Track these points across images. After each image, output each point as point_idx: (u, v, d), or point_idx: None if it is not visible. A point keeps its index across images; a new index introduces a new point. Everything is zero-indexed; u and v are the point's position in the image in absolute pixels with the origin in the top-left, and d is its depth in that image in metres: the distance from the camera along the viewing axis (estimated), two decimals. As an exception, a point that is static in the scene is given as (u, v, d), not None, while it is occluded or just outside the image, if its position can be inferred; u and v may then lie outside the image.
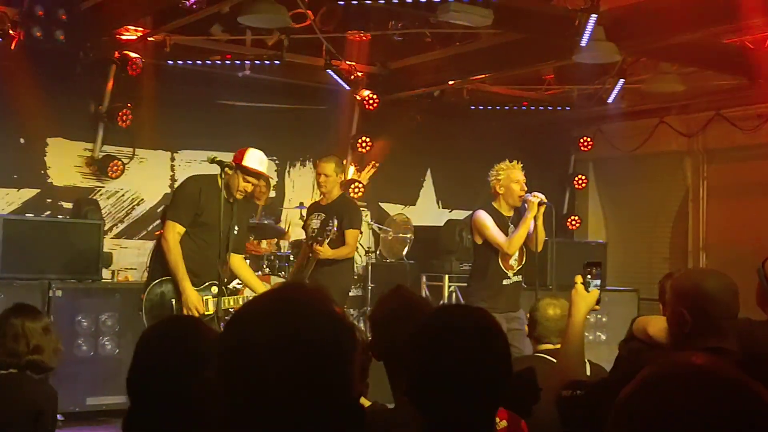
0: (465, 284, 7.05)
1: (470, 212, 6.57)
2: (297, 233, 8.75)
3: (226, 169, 5.64)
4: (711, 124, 10.40)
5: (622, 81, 8.89)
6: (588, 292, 3.01)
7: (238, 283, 6.06)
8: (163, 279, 5.54)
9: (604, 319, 8.81)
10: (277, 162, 9.86)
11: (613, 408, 1.19)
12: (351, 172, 10.41)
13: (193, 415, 1.87)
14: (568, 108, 10.41)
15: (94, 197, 8.65)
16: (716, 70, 8.78)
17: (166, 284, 5.53)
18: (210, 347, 2.05)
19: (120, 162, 8.68)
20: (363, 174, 10.49)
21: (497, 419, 2.28)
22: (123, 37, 8.14)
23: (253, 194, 9.29)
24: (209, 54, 8.62)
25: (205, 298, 5.59)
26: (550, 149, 11.22)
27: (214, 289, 5.63)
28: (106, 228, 8.11)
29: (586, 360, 3.32)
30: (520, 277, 6.40)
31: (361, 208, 10.30)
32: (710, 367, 1.16)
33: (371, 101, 9.53)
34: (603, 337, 8.67)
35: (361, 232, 9.53)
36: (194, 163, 9.27)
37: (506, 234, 6.23)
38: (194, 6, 7.29)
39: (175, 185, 9.27)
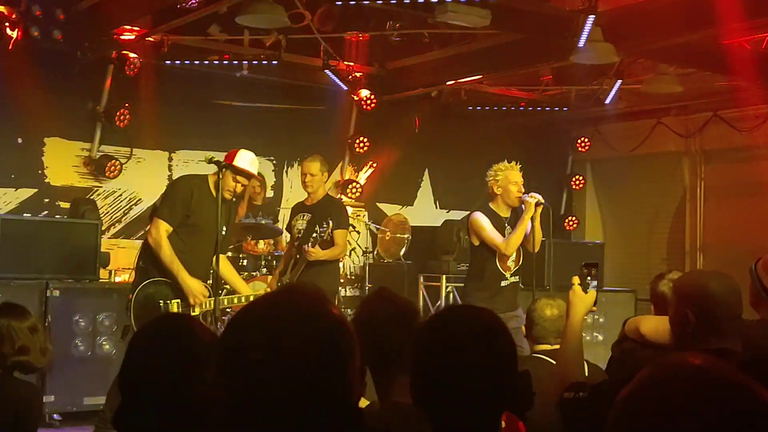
0: (462, 285, 7.04)
1: (468, 213, 6.57)
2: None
3: (218, 170, 5.67)
4: (708, 125, 10.42)
5: (619, 82, 8.90)
6: (586, 293, 3.01)
7: (224, 284, 6.06)
8: (151, 280, 5.52)
9: (601, 320, 8.81)
10: (274, 162, 9.86)
11: (612, 408, 1.19)
12: (349, 172, 10.42)
13: (186, 414, 1.88)
14: (565, 109, 10.42)
15: (92, 197, 8.64)
16: (714, 71, 8.78)
17: (154, 286, 5.52)
18: (204, 346, 2.06)
19: (117, 162, 8.67)
20: (361, 174, 10.50)
21: None
22: (121, 37, 8.13)
23: (243, 195, 9.31)
24: (207, 54, 8.62)
25: None
26: (547, 150, 11.23)
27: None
28: (103, 228, 8.10)
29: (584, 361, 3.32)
30: (518, 277, 6.41)
31: (359, 209, 10.34)
32: (709, 368, 1.16)
33: (369, 102, 9.53)
34: (600, 337, 8.68)
35: (349, 231, 9.56)
36: (192, 163, 9.26)
37: (503, 235, 6.23)
38: (193, 5, 7.29)
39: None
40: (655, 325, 3.45)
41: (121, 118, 8.41)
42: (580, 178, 11.54)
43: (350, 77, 9.28)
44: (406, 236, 9.58)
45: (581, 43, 6.93)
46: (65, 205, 8.45)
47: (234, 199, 5.84)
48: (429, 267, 9.35)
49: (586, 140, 11.20)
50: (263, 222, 8.56)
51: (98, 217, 7.97)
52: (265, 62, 8.59)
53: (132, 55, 8.22)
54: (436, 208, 11.02)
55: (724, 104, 10.02)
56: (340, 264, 9.27)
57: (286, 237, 8.00)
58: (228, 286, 6.13)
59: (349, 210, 10.09)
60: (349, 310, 8.87)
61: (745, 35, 7.96)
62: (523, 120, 10.76)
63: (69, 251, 7.15)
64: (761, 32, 7.84)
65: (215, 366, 1.39)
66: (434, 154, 10.70)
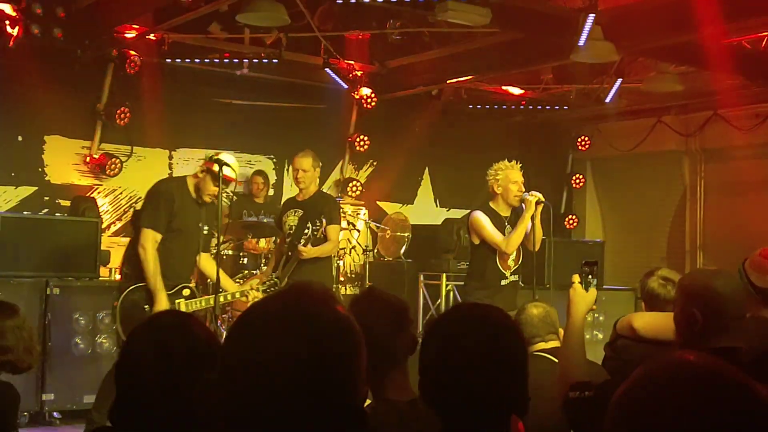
0: (462, 283, 7.03)
1: (468, 211, 6.56)
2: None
3: (197, 172, 5.67)
4: (709, 124, 10.41)
5: (619, 80, 8.90)
6: (587, 291, 3.01)
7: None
8: (137, 286, 5.53)
9: (601, 318, 8.82)
10: (275, 160, 9.86)
11: (609, 406, 1.19)
12: (349, 171, 10.41)
13: (182, 411, 1.88)
14: (566, 107, 10.42)
15: (92, 195, 8.65)
16: (714, 70, 8.78)
17: (139, 291, 5.52)
18: (201, 343, 2.07)
19: (118, 160, 8.67)
20: (361, 173, 10.50)
21: None
22: (121, 35, 8.13)
23: (251, 191, 9.32)
24: (207, 52, 8.62)
25: (177, 301, 5.59)
26: (548, 148, 11.24)
27: (186, 292, 5.63)
28: (103, 226, 8.10)
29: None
30: (518, 276, 6.40)
31: (359, 207, 10.33)
32: (705, 365, 1.17)
33: (369, 100, 9.52)
34: (600, 336, 8.68)
35: (349, 229, 9.56)
36: (192, 161, 9.26)
37: (503, 234, 6.23)
38: (193, 4, 7.29)
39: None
40: (647, 320, 3.46)
41: (122, 116, 8.42)
42: (581, 176, 11.54)
43: (351, 76, 9.28)
44: (406, 235, 9.57)
45: (581, 42, 6.93)
46: (65, 203, 8.45)
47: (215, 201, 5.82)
48: (429, 265, 9.34)
49: (587, 139, 11.20)
50: (264, 220, 8.57)
51: (98, 215, 7.97)
52: (266, 60, 8.59)
53: (132, 53, 8.22)
54: (437, 206, 11.02)
55: (725, 103, 10.00)
56: (341, 262, 9.30)
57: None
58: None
59: (350, 208, 10.09)
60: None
61: (744, 34, 7.96)
62: (524, 119, 10.76)
63: (69, 249, 7.15)
64: (761, 31, 7.84)
65: (220, 365, 1.39)
66: (434, 153, 10.70)
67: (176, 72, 8.74)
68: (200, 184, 5.59)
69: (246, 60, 8.73)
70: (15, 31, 7.38)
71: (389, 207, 10.49)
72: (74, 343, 6.93)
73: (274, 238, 8.66)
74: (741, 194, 10.40)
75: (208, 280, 6.06)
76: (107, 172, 8.62)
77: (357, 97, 9.55)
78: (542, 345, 3.98)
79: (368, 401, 2.74)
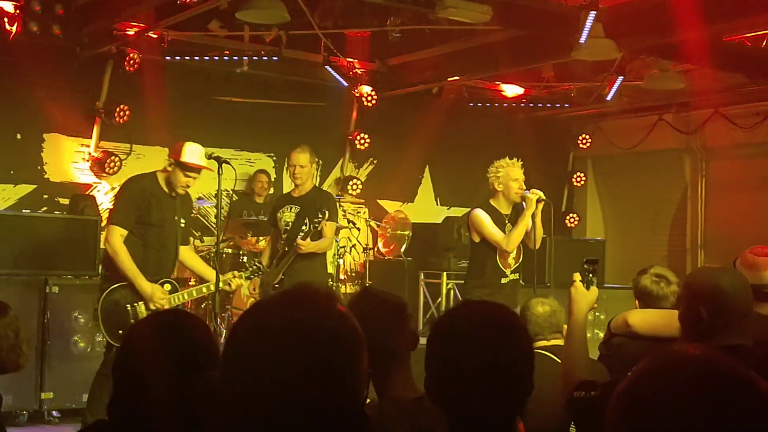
0: (463, 282, 7.01)
1: (469, 209, 6.54)
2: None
3: (166, 165, 5.66)
4: (710, 122, 10.39)
5: (620, 78, 8.87)
6: (588, 290, 2.99)
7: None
8: (116, 286, 5.51)
9: (602, 317, 8.80)
10: (274, 158, 9.84)
11: (611, 401, 1.18)
12: (349, 169, 10.40)
13: (179, 407, 1.87)
14: (566, 105, 10.40)
15: (91, 193, 8.63)
16: (715, 67, 8.76)
17: (119, 291, 5.51)
18: (199, 340, 2.05)
19: (117, 158, 8.65)
20: (361, 171, 10.48)
21: None
22: (121, 33, 8.11)
23: (254, 190, 9.30)
24: (207, 50, 8.60)
25: None
26: (548, 147, 11.21)
27: (167, 287, 5.61)
28: (102, 224, 8.08)
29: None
30: (518, 275, 6.39)
31: (359, 205, 10.32)
32: (708, 359, 1.16)
33: (370, 98, 9.51)
34: (601, 334, 8.63)
35: (350, 228, 9.54)
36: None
37: (504, 232, 6.21)
38: (192, 1, 7.26)
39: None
40: (642, 317, 3.46)
41: (121, 114, 8.40)
42: (582, 175, 11.52)
43: (351, 73, 9.26)
44: (406, 233, 9.56)
45: (582, 39, 6.91)
46: (64, 201, 8.44)
47: (187, 191, 5.80)
48: (430, 264, 9.34)
49: (588, 137, 11.18)
50: (264, 219, 8.55)
51: (97, 213, 7.96)
52: (266, 58, 8.57)
53: (132, 50, 8.19)
54: (437, 204, 11.00)
55: (726, 101, 9.99)
56: (341, 261, 9.29)
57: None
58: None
59: (350, 207, 10.09)
60: (349, 307, 8.87)
61: (746, 32, 7.94)
62: (525, 116, 10.74)
63: (68, 248, 7.13)
64: (762, 29, 7.82)
65: (221, 368, 1.38)
66: (435, 151, 10.68)
67: (176, 70, 8.73)
68: (170, 177, 5.58)
69: (246, 58, 8.71)
70: (14, 29, 7.37)
71: (390, 205, 10.47)
72: (73, 341, 6.92)
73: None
74: (742, 192, 10.38)
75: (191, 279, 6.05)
76: (106, 170, 8.60)
77: (357, 94, 9.53)
78: (543, 343, 3.97)
79: (368, 400, 2.73)
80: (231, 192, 7.74)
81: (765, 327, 2.86)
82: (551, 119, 11.05)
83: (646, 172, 11.29)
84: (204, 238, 8.67)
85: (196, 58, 8.61)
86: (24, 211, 7.96)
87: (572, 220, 11.34)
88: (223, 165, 6.07)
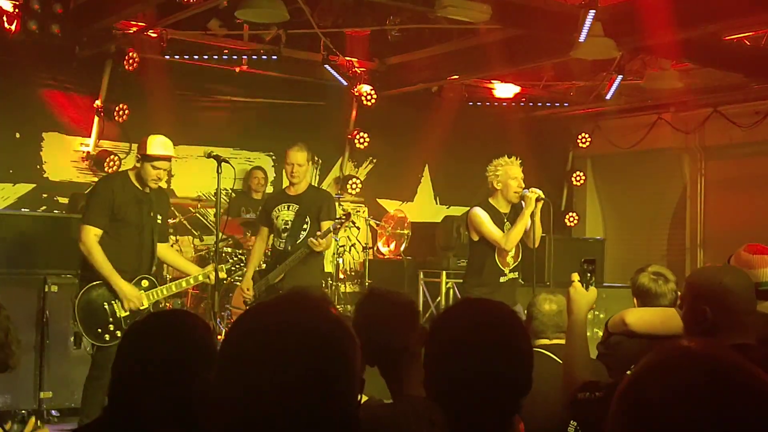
0: (462, 281, 7.01)
1: (468, 208, 6.54)
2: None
3: (135, 162, 5.66)
4: (709, 121, 10.39)
5: (620, 77, 8.87)
6: (587, 290, 2.99)
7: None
8: (91, 285, 5.51)
9: (601, 316, 8.77)
10: (274, 157, 9.83)
11: (613, 398, 1.18)
12: (349, 168, 10.39)
13: (177, 405, 1.87)
14: (566, 104, 10.40)
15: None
16: (714, 66, 8.76)
17: (95, 290, 5.50)
18: (199, 339, 2.05)
19: (116, 157, 8.64)
20: (360, 170, 10.48)
21: None
22: (120, 32, 8.11)
23: (251, 186, 9.29)
24: (206, 49, 8.59)
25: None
26: (548, 146, 11.21)
27: (145, 283, 5.60)
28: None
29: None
30: (517, 273, 6.39)
31: (359, 204, 10.32)
32: (710, 353, 1.16)
33: (369, 97, 9.50)
34: (600, 333, 8.65)
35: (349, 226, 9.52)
36: (191, 159, 9.24)
37: (503, 231, 6.21)
38: (192, 0, 7.26)
39: (172, 181, 9.26)
40: (639, 315, 3.46)
41: (120, 113, 8.39)
42: (581, 174, 11.52)
43: (350, 72, 9.26)
44: (405, 232, 9.56)
45: (582, 39, 6.91)
46: (63, 200, 8.44)
47: (160, 188, 5.78)
48: (429, 263, 9.34)
49: (587, 136, 11.17)
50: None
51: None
52: (265, 57, 8.57)
53: (131, 49, 8.19)
54: (436, 203, 11.00)
55: (725, 100, 9.99)
56: (341, 260, 9.29)
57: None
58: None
59: (349, 206, 10.08)
60: (349, 306, 8.87)
61: (745, 31, 7.94)
62: (524, 116, 10.74)
63: (67, 247, 7.09)
64: (761, 29, 7.82)
65: (217, 369, 1.38)
66: (434, 150, 10.67)
67: (175, 69, 8.72)
68: (140, 173, 5.58)
69: (245, 57, 8.71)
70: (13, 27, 7.36)
71: (389, 204, 10.47)
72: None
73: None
74: (741, 191, 10.38)
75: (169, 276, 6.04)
76: (105, 169, 8.59)
77: (357, 94, 9.53)
78: (545, 341, 3.97)
79: (364, 398, 2.72)
80: (230, 191, 7.74)
81: (764, 325, 2.86)
82: (550, 118, 11.05)
83: (645, 171, 11.29)
84: (203, 237, 8.66)
85: (196, 57, 8.60)
86: (23, 210, 7.96)
87: (571, 219, 11.34)
88: (222, 164, 6.08)
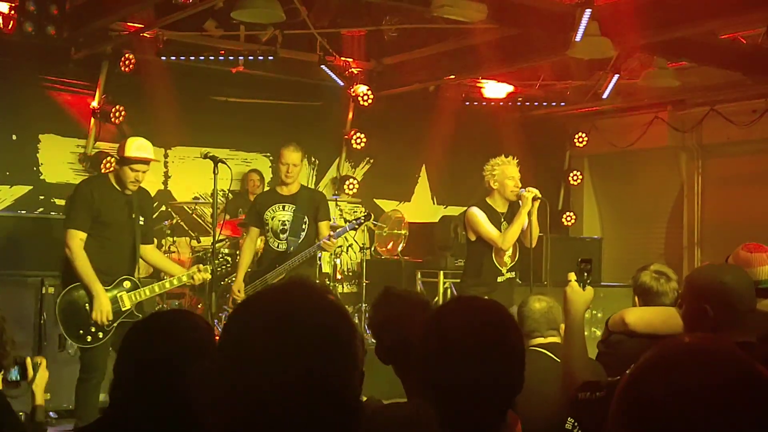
0: (459, 280, 7.01)
1: (465, 208, 6.54)
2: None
3: (114, 164, 5.64)
4: (706, 120, 10.40)
5: (616, 76, 8.88)
6: (584, 290, 2.99)
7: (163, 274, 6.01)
8: (72, 286, 5.49)
9: (599, 315, 8.80)
10: (271, 158, 9.83)
11: (615, 394, 1.18)
12: (345, 168, 10.39)
13: (177, 405, 1.87)
14: (562, 104, 10.40)
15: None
16: (711, 65, 8.77)
17: (77, 290, 5.48)
18: (199, 341, 2.05)
19: (113, 158, 8.63)
20: (357, 170, 10.48)
21: None
22: (116, 33, 8.10)
23: (248, 189, 9.28)
24: (203, 50, 8.59)
25: (119, 294, 5.55)
26: (545, 145, 11.21)
27: (127, 284, 5.58)
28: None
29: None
30: (514, 273, 6.38)
31: (356, 205, 10.32)
32: (708, 346, 1.16)
33: (366, 97, 9.50)
34: (598, 333, 8.66)
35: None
36: (188, 160, 9.24)
37: (500, 230, 6.21)
38: (188, 1, 7.26)
39: (169, 182, 9.26)
40: (639, 315, 3.46)
41: (116, 114, 8.38)
42: (578, 173, 11.52)
43: (347, 73, 9.26)
44: (403, 232, 9.56)
45: (578, 38, 6.91)
46: (60, 202, 8.42)
47: (141, 189, 5.75)
48: (426, 263, 9.34)
49: (584, 135, 11.18)
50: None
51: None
52: (262, 58, 8.56)
53: (127, 51, 8.18)
54: (434, 203, 11.00)
55: (722, 98, 10.00)
56: (338, 260, 9.28)
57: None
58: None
59: (346, 206, 10.08)
60: (347, 306, 8.86)
61: (741, 30, 7.95)
62: (521, 115, 10.74)
63: (64, 248, 7.11)
64: (757, 27, 7.82)
65: (216, 360, 1.38)
66: (431, 150, 10.67)
67: (171, 70, 8.71)
68: (119, 174, 5.57)
69: (242, 57, 8.70)
70: (8, 29, 7.36)
71: (386, 204, 10.46)
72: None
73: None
74: (738, 190, 10.39)
75: (163, 274, 6.01)
76: (102, 171, 8.58)
77: (353, 94, 9.52)
78: (540, 340, 3.97)
79: (363, 398, 2.72)
80: (227, 192, 7.74)
81: (764, 323, 2.86)
82: (547, 118, 11.05)
83: (642, 170, 11.29)
84: (200, 238, 8.65)
85: (192, 58, 8.59)
86: (20, 212, 7.95)
87: (569, 218, 11.34)
88: (219, 164, 6.06)
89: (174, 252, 8.38)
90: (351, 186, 10.11)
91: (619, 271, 10.31)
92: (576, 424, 3.18)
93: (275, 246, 6.42)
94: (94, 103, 8.55)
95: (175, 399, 1.92)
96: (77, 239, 5.44)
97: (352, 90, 9.48)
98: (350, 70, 9.27)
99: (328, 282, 8.90)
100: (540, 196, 6.19)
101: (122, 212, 5.57)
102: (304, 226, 6.31)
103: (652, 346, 1.21)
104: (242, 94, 9.48)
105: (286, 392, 1.31)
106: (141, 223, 5.66)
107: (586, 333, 3.07)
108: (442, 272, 9.06)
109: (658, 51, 8.28)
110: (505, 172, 6.26)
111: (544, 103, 10.47)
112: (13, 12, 7.36)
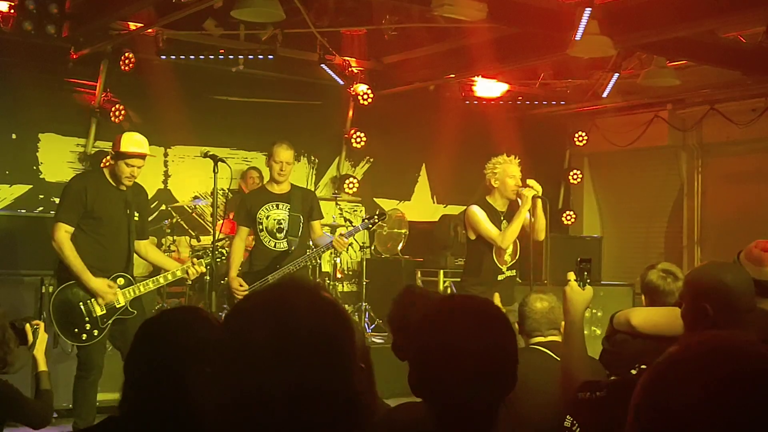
0: (459, 279, 7.00)
1: (465, 207, 6.53)
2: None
3: (110, 159, 5.64)
4: (705, 119, 10.40)
5: (616, 75, 8.87)
6: (583, 289, 2.98)
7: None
8: (66, 285, 5.50)
9: (599, 314, 8.80)
10: (271, 157, 9.82)
11: (637, 389, 1.18)
12: (345, 167, 10.39)
13: (188, 404, 1.86)
14: (562, 103, 10.40)
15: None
16: (711, 64, 8.77)
17: (70, 289, 5.48)
18: (210, 338, 2.04)
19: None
20: (357, 169, 10.48)
21: None
22: (116, 32, 8.10)
23: (247, 186, 9.27)
24: (203, 49, 8.58)
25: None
26: (545, 144, 11.21)
27: (120, 281, 5.58)
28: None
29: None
30: (514, 271, 6.38)
31: (356, 204, 10.32)
32: (734, 343, 1.17)
33: (366, 96, 9.49)
34: (598, 332, 8.66)
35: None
36: (188, 159, 9.25)
37: (500, 229, 6.21)
38: (188, 0, 7.25)
39: (169, 181, 9.26)
40: (645, 317, 3.45)
41: (116, 113, 8.38)
42: (578, 172, 11.53)
43: (347, 72, 9.25)
44: (403, 231, 9.56)
45: (578, 37, 6.91)
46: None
47: (136, 185, 5.74)
48: (426, 262, 9.34)
49: (584, 134, 11.18)
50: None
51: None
52: (261, 57, 8.56)
53: (127, 50, 8.18)
54: (434, 202, 11.00)
55: (722, 97, 10.00)
56: (338, 259, 9.28)
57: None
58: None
59: (346, 205, 10.08)
60: (347, 305, 8.87)
61: (741, 29, 7.95)
62: (521, 114, 10.74)
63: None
64: (757, 26, 7.82)
65: (217, 359, 1.38)
66: (431, 149, 10.67)
67: (171, 69, 8.71)
68: (114, 170, 5.57)
69: (241, 56, 8.70)
70: (8, 27, 7.36)
71: (386, 204, 10.46)
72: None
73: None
74: (738, 189, 10.39)
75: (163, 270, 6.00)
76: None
77: (353, 93, 9.52)
78: (540, 339, 3.97)
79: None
80: (227, 191, 7.74)
81: (764, 322, 2.85)
82: (547, 117, 11.05)
83: (642, 169, 11.29)
84: (200, 237, 8.65)
85: (192, 57, 8.59)
86: (20, 211, 7.95)
87: (569, 217, 11.35)
88: (219, 163, 6.06)
89: (174, 251, 8.38)
90: (351, 185, 10.11)
91: (619, 270, 10.32)
92: (575, 422, 3.18)
93: (272, 246, 6.35)
94: (94, 102, 8.54)
95: (186, 396, 1.91)
96: (62, 231, 5.45)
97: (352, 89, 9.48)
98: (350, 69, 9.26)
99: (327, 281, 8.90)
100: (540, 194, 6.18)
101: (116, 208, 5.57)
102: (300, 225, 6.30)
103: (658, 347, 1.21)
104: (242, 93, 9.48)
105: (281, 398, 1.31)
106: (136, 218, 5.65)
107: (586, 332, 3.07)
108: (442, 271, 9.06)
109: (658, 50, 8.28)
110: (506, 170, 6.26)
111: (545, 102, 10.46)
112: (12, 11, 7.35)
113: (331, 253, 8.79)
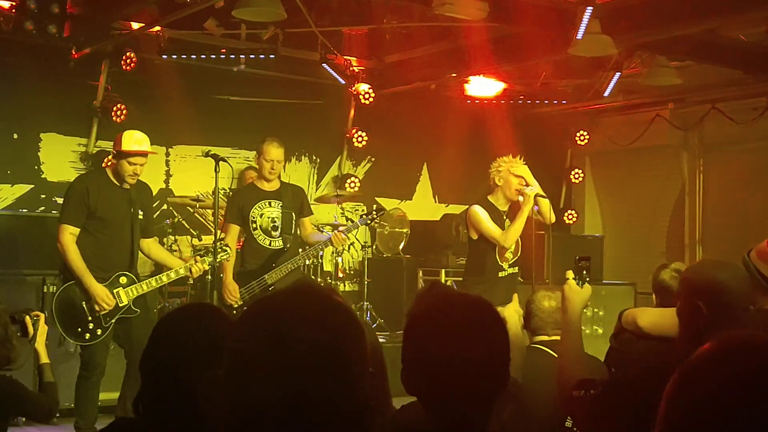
0: (461, 279, 7.00)
1: (467, 206, 6.53)
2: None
3: (111, 159, 5.64)
4: (707, 118, 10.39)
5: (617, 74, 8.87)
6: (581, 288, 2.98)
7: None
8: (68, 284, 5.51)
9: (600, 313, 8.80)
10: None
11: (671, 383, 1.18)
12: (347, 167, 10.39)
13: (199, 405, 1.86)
14: (564, 102, 10.40)
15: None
16: (712, 63, 8.76)
17: (73, 288, 5.50)
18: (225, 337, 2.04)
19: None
20: (359, 168, 10.47)
21: None
22: (117, 32, 8.10)
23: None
24: (204, 48, 8.59)
25: (115, 291, 5.55)
26: (546, 143, 11.19)
27: (123, 280, 5.58)
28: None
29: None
30: (516, 268, 6.38)
31: (358, 203, 10.31)
32: (763, 337, 1.17)
33: (367, 95, 9.49)
34: (600, 330, 8.66)
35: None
36: (189, 158, 9.25)
37: (502, 228, 6.21)
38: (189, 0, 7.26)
39: (171, 180, 9.26)
40: (653, 319, 3.44)
41: (118, 113, 8.38)
42: (579, 171, 11.53)
43: (348, 71, 9.25)
44: (404, 231, 9.56)
45: (579, 36, 6.91)
46: (62, 200, 8.41)
47: (140, 183, 5.75)
48: (428, 261, 9.34)
49: (585, 133, 11.17)
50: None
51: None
52: (263, 56, 8.56)
53: (128, 49, 8.18)
54: (435, 202, 11.00)
55: (723, 96, 9.99)
56: (339, 259, 9.28)
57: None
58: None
59: (348, 205, 10.07)
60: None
61: (742, 28, 7.94)
62: (522, 113, 10.73)
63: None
64: (759, 25, 7.81)
65: (225, 364, 1.37)
66: (433, 148, 10.67)
67: (173, 68, 8.71)
68: (117, 169, 5.57)
69: (243, 56, 8.70)
70: (9, 27, 7.36)
71: (388, 203, 10.46)
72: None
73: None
74: (740, 188, 10.38)
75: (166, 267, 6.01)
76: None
77: (355, 92, 9.52)
78: (544, 338, 3.97)
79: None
80: (228, 190, 7.73)
81: (760, 322, 2.84)
82: (549, 116, 11.04)
83: (643, 169, 11.29)
84: (202, 236, 8.65)
85: (193, 56, 8.59)
86: (22, 210, 7.95)
87: (570, 216, 11.34)
88: (220, 163, 6.06)
89: (176, 251, 8.37)
90: (352, 184, 10.11)
91: (621, 269, 10.31)
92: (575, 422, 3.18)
93: (267, 244, 6.33)
94: (96, 102, 8.54)
95: (192, 390, 1.90)
96: (67, 234, 5.47)
97: (353, 88, 9.48)
98: (351, 69, 9.26)
99: (329, 280, 8.90)
100: (542, 193, 6.18)
101: (120, 207, 5.58)
102: (293, 222, 6.30)
103: (663, 348, 1.22)
104: (243, 93, 9.48)
105: (278, 407, 1.30)
106: (140, 217, 5.66)
107: (587, 331, 3.07)
108: (443, 270, 9.06)
109: (659, 49, 8.28)
110: (510, 170, 6.26)
111: (546, 102, 10.46)
112: (14, 11, 7.35)
113: (333, 252, 8.81)
